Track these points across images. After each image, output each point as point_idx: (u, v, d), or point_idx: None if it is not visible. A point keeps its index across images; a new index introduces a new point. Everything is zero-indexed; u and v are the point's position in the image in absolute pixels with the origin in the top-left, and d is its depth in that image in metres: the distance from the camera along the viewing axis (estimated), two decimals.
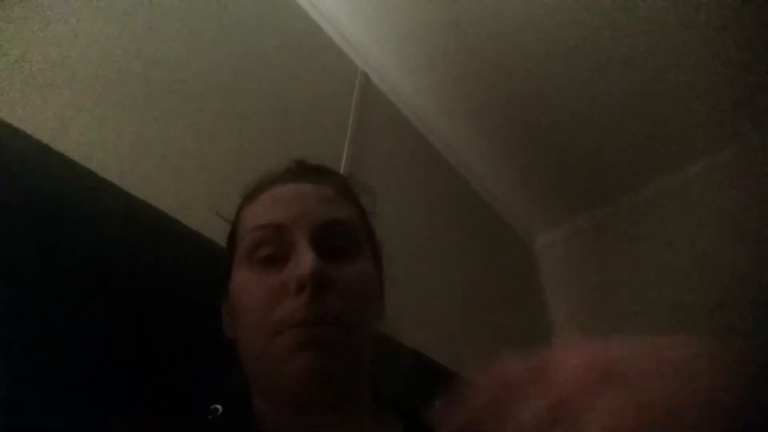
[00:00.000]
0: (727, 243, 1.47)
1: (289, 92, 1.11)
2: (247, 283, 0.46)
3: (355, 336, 0.43)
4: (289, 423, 0.43)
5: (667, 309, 1.51)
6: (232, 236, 0.53)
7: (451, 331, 1.26)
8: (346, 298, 0.43)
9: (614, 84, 1.49)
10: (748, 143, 1.57)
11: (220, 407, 0.44)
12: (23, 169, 0.54)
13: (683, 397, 0.21)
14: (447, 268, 1.39)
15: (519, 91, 1.52)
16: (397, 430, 0.47)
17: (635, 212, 1.78)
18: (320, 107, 1.18)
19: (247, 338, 0.44)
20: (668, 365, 0.23)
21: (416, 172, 1.46)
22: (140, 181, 0.68)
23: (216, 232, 0.70)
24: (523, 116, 1.59)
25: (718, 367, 0.22)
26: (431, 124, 1.59)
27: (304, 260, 0.42)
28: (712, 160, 1.64)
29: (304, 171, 0.55)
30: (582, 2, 1.31)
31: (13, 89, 0.64)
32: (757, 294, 1.33)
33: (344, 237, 0.47)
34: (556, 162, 1.73)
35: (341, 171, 1.11)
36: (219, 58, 0.97)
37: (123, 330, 0.53)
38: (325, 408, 0.43)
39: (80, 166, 0.59)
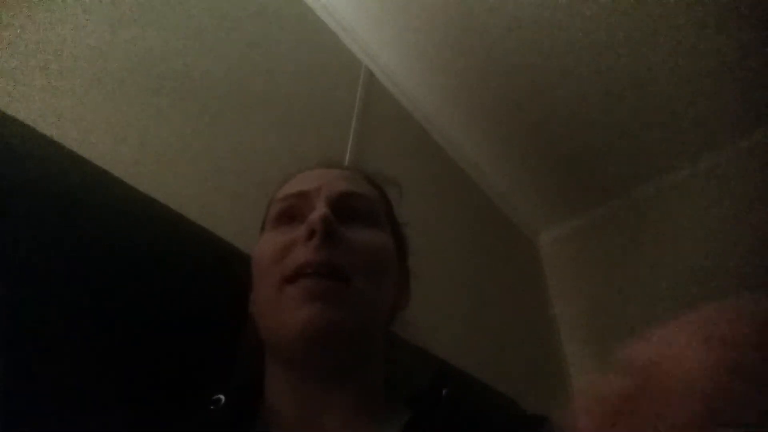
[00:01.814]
0: (729, 240, 1.46)
1: (293, 88, 1.11)
2: (265, 241, 0.48)
3: (362, 295, 0.43)
4: (299, 404, 0.43)
5: (670, 306, 1.50)
6: (264, 222, 0.56)
7: (455, 327, 1.26)
8: (355, 256, 0.44)
9: (617, 83, 1.48)
10: (750, 141, 1.57)
11: (222, 397, 0.44)
12: (28, 164, 0.54)
13: None
14: (451, 265, 1.39)
15: (524, 88, 1.51)
16: (405, 417, 0.47)
17: (639, 209, 1.77)
18: (324, 103, 1.18)
19: (259, 291, 0.46)
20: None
21: (420, 169, 1.46)
22: (145, 176, 0.68)
23: (220, 225, 0.70)
24: (528, 112, 1.58)
25: None
26: (435, 120, 1.59)
27: (317, 211, 0.44)
28: (715, 158, 1.63)
29: (337, 162, 0.60)
30: (585, 2, 1.30)
31: (20, 85, 0.64)
32: (759, 293, 1.32)
33: (362, 208, 0.49)
34: (559, 158, 1.72)
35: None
36: (223, 54, 0.97)
37: (125, 324, 0.53)
38: (329, 374, 0.43)
39: (85, 160, 0.60)
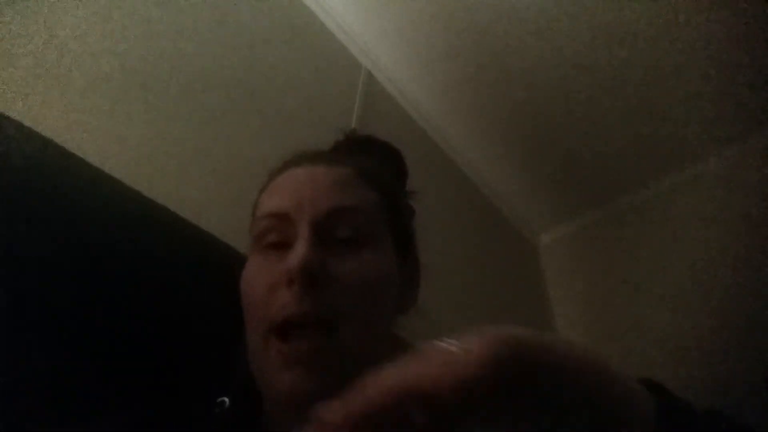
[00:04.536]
0: (730, 241, 1.46)
1: (293, 90, 1.11)
2: (251, 270, 0.45)
3: (353, 343, 0.40)
4: (299, 416, 0.42)
5: (670, 307, 1.50)
6: (252, 223, 0.52)
7: (454, 329, 1.25)
8: (345, 294, 0.41)
9: (617, 85, 1.48)
10: (752, 142, 1.57)
11: (227, 400, 0.44)
12: (30, 167, 0.54)
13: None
14: (450, 266, 1.39)
15: (523, 88, 1.52)
16: None
17: (639, 210, 1.77)
18: (324, 105, 1.18)
19: (248, 330, 0.44)
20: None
21: (419, 170, 1.44)
22: (145, 178, 0.68)
23: (221, 228, 0.70)
24: (526, 114, 1.58)
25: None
26: (435, 122, 1.59)
27: (295, 252, 0.40)
28: (716, 159, 1.63)
29: (328, 151, 0.54)
30: (585, 3, 1.30)
31: (21, 87, 0.64)
32: (759, 292, 1.33)
33: (352, 226, 0.44)
34: (559, 160, 1.73)
35: None
36: (223, 56, 0.97)
37: (128, 326, 0.53)
38: None
39: (85, 162, 0.59)
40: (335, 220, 0.44)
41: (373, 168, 0.52)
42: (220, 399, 0.44)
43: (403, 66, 1.46)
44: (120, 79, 0.77)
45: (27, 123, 0.56)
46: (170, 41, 0.87)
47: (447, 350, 0.22)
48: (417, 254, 0.55)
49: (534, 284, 1.85)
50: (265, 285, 0.42)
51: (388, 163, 0.57)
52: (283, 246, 0.43)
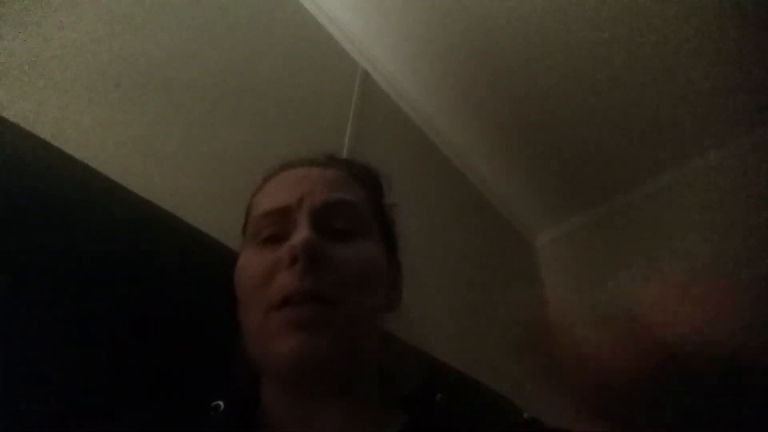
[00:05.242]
0: (727, 241, 1.46)
1: (289, 89, 1.10)
2: (247, 261, 0.46)
3: (351, 317, 0.42)
4: (295, 412, 0.43)
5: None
6: (245, 225, 0.54)
7: (451, 328, 1.26)
8: (343, 276, 0.43)
9: (615, 82, 1.48)
10: (750, 141, 1.57)
11: (221, 403, 0.44)
12: (25, 167, 0.54)
13: None
14: (447, 266, 1.39)
15: (520, 88, 1.52)
16: (401, 422, 0.47)
17: (636, 210, 1.78)
18: (320, 104, 1.18)
19: (246, 316, 0.45)
20: None
21: (416, 170, 1.46)
22: (141, 179, 0.68)
23: (218, 228, 0.70)
24: (524, 113, 1.59)
25: None
26: (432, 121, 1.59)
27: (299, 233, 0.42)
28: (714, 158, 1.63)
29: (318, 157, 0.56)
30: (582, 3, 1.30)
31: (15, 87, 0.64)
32: (758, 293, 1.33)
33: (347, 218, 0.47)
34: (557, 159, 1.73)
35: None
36: (219, 55, 0.97)
37: (124, 328, 0.53)
38: (323, 391, 0.43)
39: (81, 163, 0.59)
40: (331, 212, 0.46)
41: (360, 173, 0.55)
42: (214, 402, 0.44)
43: (400, 66, 1.46)
44: (117, 81, 0.77)
45: (24, 125, 0.56)
46: (168, 43, 0.87)
47: None
48: (399, 259, 0.57)
49: (531, 284, 1.85)
50: (264, 270, 0.43)
51: (370, 176, 0.59)
52: (278, 239, 0.45)
